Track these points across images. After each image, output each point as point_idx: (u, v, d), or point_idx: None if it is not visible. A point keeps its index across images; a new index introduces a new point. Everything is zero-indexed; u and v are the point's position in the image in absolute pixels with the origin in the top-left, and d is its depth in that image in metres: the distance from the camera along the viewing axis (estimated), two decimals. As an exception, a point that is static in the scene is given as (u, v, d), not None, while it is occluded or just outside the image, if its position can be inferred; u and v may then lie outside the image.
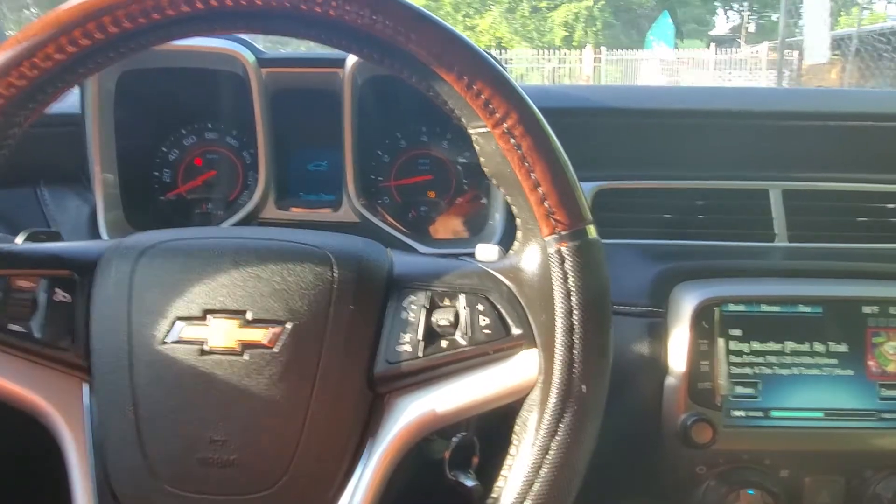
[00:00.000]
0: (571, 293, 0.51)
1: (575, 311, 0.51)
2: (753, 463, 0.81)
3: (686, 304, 0.82)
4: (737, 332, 0.81)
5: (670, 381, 0.81)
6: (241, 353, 0.55)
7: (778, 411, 0.81)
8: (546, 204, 0.52)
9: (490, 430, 0.67)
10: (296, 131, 1.03)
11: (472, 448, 0.71)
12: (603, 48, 14.07)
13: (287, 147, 1.03)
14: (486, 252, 0.61)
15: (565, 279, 0.51)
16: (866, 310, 0.82)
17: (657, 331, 0.83)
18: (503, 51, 14.88)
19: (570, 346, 0.51)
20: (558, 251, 0.52)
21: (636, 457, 0.86)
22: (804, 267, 0.86)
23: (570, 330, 0.51)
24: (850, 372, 0.81)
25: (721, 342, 0.81)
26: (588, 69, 13.35)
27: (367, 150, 1.02)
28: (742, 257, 0.88)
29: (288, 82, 0.98)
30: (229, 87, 0.98)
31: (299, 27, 0.51)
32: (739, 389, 0.81)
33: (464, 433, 0.72)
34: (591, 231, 0.53)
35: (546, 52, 14.43)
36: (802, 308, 0.82)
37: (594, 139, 0.99)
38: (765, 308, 0.82)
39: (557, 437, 0.52)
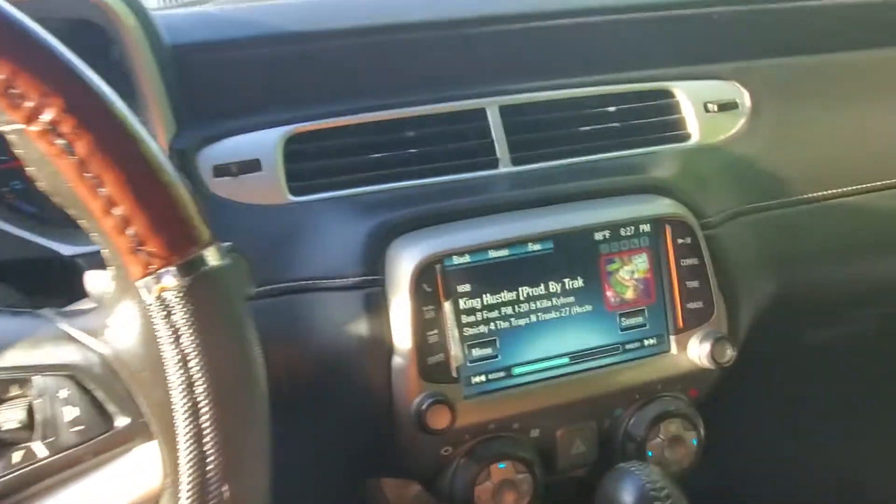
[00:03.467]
0: (189, 358, 0.35)
1: (198, 383, 0.35)
2: (502, 431, 0.73)
3: (404, 267, 0.70)
4: (465, 288, 0.71)
5: (397, 360, 0.70)
6: None
7: (521, 367, 0.73)
8: (130, 231, 0.35)
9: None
10: None
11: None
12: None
13: None
14: (96, 283, 0.42)
15: (177, 338, 0.35)
16: (598, 236, 0.74)
17: (375, 303, 0.70)
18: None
19: (197, 434, 0.35)
20: (160, 299, 0.35)
21: (377, 447, 0.75)
22: (529, 197, 0.77)
23: (193, 410, 0.35)
24: (589, 307, 0.75)
25: (449, 305, 0.70)
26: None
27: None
28: (463, 193, 0.77)
29: None
30: None
31: None
32: (477, 352, 0.72)
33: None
34: (212, 256, 0.38)
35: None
36: (532, 247, 0.73)
37: (275, 72, 0.81)
38: (492, 255, 0.72)
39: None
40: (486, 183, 0.81)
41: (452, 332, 0.71)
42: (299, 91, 0.83)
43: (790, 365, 1.06)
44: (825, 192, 0.88)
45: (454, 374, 0.71)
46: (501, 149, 0.83)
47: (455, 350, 0.71)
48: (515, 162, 0.84)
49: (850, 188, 0.89)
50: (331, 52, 0.85)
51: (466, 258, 0.72)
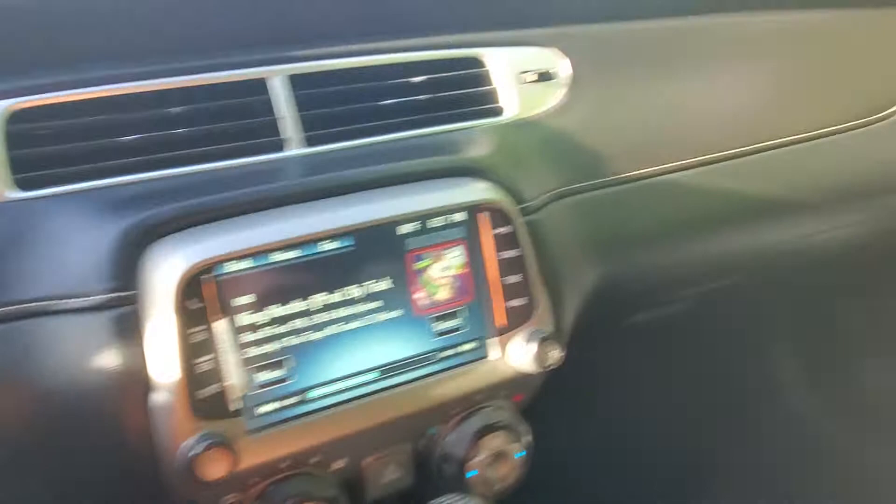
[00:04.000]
0: None
1: None
2: (298, 467, 0.61)
3: (163, 279, 0.56)
4: (245, 301, 0.58)
5: (158, 397, 0.56)
6: None
7: (318, 388, 0.61)
8: None
9: None
10: None
11: None
12: None
13: None
14: None
15: None
16: (403, 230, 0.63)
17: (127, 326, 0.56)
18: None
19: None
20: None
21: None
22: (321, 184, 0.64)
23: None
24: (397, 313, 0.64)
25: (223, 323, 0.57)
26: None
27: None
28: (241, 183, 0.63)
29: None
30: None
31: None
32: (263, 377, 0.59)
33: None
34: None
35: None
36: (327, 246, 0.61)
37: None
38: (277, 258, 0.59)
39: None
40: (272, 169, 0.68)
41: (229, 356, 0.58)
42: (24, 54, 0.65)
43: (611, 349, 1.01)
44: (650, 169, 0.82)
45: (233, 408, 0.58)
46: (291, 127, 0.70)
47: (234, 377, 0.58)
48: (310, 142, 0.71)
49: (675, 164, 0.84)
50: (67, 4, 0.68)
51: (245, 263, 0.59)
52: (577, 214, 0.78)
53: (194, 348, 0.56)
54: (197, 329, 0.57)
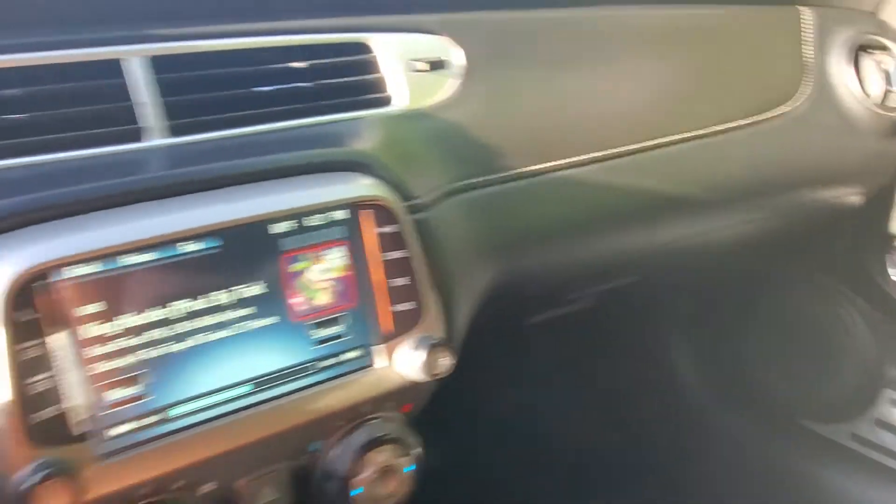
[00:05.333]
0: None
1: None
2: (158, 493, 0.54)
3: (-9, 286, 0.48)
4: (91, 310, 0.52)
5: (-16, 424, 0.48)
6: None
7: (182, 406, 0.55)
8: None
9: None
10: None
11: None
12: None
13: None
14: None
15: None
16: (275, 229, 0.58)
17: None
18: None
19: None
20: None
21: None
22: (184, 178, 0.58)
23: None
24: (272, 319, 0.59)
25: (62, 337, 0.50)
26: None
27: None
28: (90, 176, 0.56)
29: None
30: None
31: None
32: (114, 395, 0.53)
33: None
34: None
35: None
36: (188, 247, 0.54)
37: None
38: (131, 260, 0.52)
39: None
40: (127, 161, 0.61)
41: (71, 374, 0.51)
42: None
43: (511, 347, 0.98)
44: (546, 165, 0.79)
45: (77, 431, 0.51)
46: (152, 114, 0.63)
47: (78, 397, 0.51)
48: (173, 132, 0.64)
49: (571, 160, 0.80)
50: None
51: (90, 267, 0.52)
52: (470, 212, 0.74)
53: (27, 366, 0.49)
54: (29, 344, 0.49)
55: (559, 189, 0.80)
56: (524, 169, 0.78)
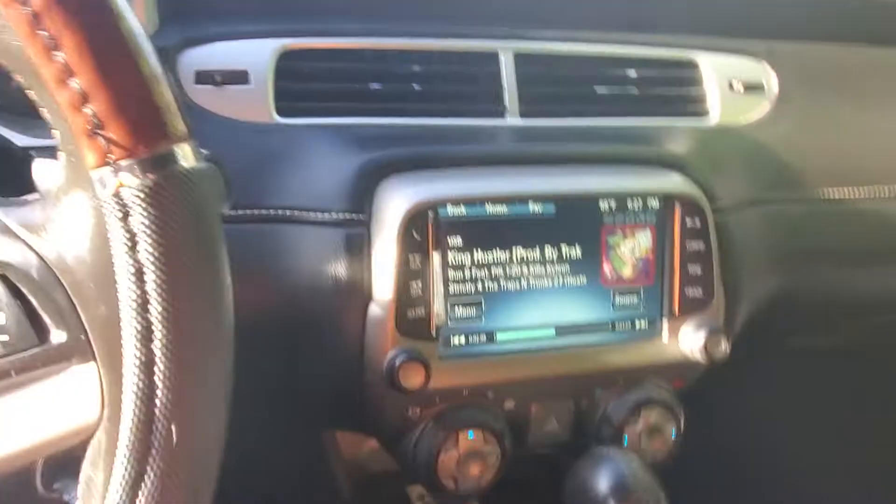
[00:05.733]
0: (145, 271, 0.29)
1: (153, 302, 0.29)
2: (475, 398, 0.68)
3: (393, 209, 0.64)
4: (456, 242, 0.66)
5: (374, 310, 0.64)
6: None
7: (505, 333, 0.68)
8: (88, 109, 0.29)
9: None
10: None
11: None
12: None
13: None
14: (45, 173, 0.36)
15: (133, 246, 0.29)
16: (603, 205, 0.69)
17: (357, 244, 0.65)
18: None
19: (147, 362, 0.30)
20: (117, 196, 0.29)
21: (341, 398, 0.69)
22: (535, 152, 0.71)
23: (145, 333, 0.30)
24: (583, 280, 0.70)
25: (437, 257, 0.65)
26: None
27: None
28: (466, 139, 0.71)
29: None
30: None
31: None
32: (460, 312, 0.67)
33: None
34: (185, 156, 0.31)
35: None
36: (533, 207, 0.67)
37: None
38: (490, 209, 0.66)
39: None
40: (490, 132, 0.76)
41: (437, 287, 0.66)
42: (298, 1, 0.76)
43: (768, 369, 1.03)
44: (844, 191, 0.84)
45: (433, 332, 0.66)
46: (511, 98, 0.77)
47: (437, 306, 0.66)
48: (524, 114, 0.78)
49: (870, 187, 0.85)
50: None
51: (462, 209, 0.66)
52: (766, 224, 0.81)
53: (409, 274, 0.64)
54: (414, 257, 0.65)
55: (855, 215, 0.84)
56: (822, 192, 0.83)
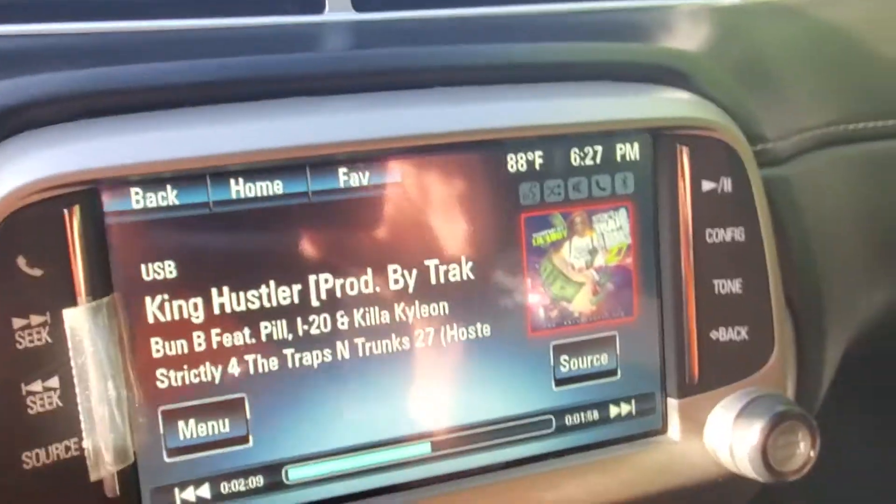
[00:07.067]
0: None
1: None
2: None
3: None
4: (159, 272, 0.29)
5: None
6: None
7: (304, 466, 0.31)
8: None
9: None
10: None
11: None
12: None
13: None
14: None
15: None
16: (515, 163, 0.31)
17: None
18: None
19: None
20: None
21: None
22: (370, 68, 0.32)
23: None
24: (483, 329, 0.35)
25: (104, 307, 0.26)
26: None
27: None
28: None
29: None
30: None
31: None
32: (196, 429, 0.31)
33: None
34: None
35: None
36: (353, 176, 0.30)
37: None
38: (240, 190, 0.29)
39: None
40: (303, 34, 0.37)
41: (112, 381, 0.28)
42: None
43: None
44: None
45: (117, 490, 0.28)
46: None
47: (114, 425, 0.28)
48: (358, 6, 0.39)
49: None
50: None
51: (161, 198, 0.28)
52: (857, 175, 0.42)
53: (32, 356, 0.26)
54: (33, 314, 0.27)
55: None
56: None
